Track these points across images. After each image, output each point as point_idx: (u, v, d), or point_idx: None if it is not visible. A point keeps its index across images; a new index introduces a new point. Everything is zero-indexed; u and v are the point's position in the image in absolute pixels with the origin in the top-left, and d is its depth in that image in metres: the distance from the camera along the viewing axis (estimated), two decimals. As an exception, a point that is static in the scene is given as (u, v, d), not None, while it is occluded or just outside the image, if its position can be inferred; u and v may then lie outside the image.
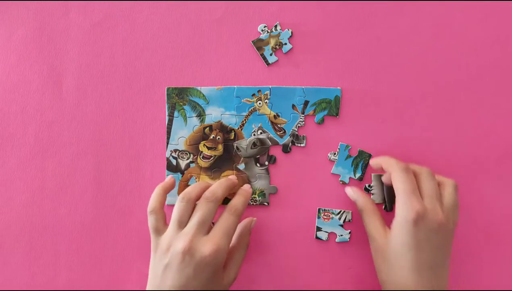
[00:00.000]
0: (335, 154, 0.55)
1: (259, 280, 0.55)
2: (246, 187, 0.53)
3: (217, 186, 0.50)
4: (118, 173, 0.56)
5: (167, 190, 0.51)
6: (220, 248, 0.45)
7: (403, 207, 0.46)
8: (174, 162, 0.55)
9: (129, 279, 0.56)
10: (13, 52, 0.56)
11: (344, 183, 0.55)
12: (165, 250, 0.46)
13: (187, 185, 0.55)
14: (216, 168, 0.56)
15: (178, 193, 0.55)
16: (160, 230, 0.48)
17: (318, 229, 0.55)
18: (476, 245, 0.55)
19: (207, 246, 0.45)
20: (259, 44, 0.55)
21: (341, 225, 0.55)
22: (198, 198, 0.49)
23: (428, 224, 0.45)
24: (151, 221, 0.48)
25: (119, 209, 0.56)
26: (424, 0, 0.55)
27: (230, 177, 0.53)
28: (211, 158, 0.56)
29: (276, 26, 0.55)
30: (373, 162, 0.53)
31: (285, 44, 0.55)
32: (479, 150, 0.55)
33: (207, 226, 0.47)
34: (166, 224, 0.49)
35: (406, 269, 0.46)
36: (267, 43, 0.55)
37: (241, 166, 0.56)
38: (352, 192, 0.53)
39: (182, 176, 0.56)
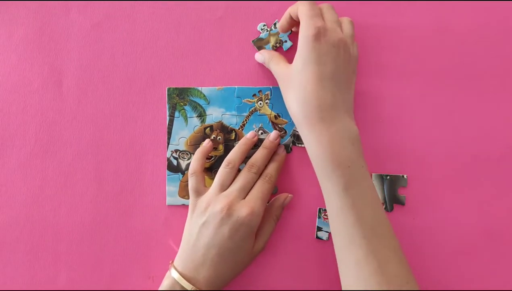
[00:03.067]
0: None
1: (259, 280, 0.55)
2: (280, 150, 0.55)
3: (259, 156, 0.53)
4: (118, 173, 0.56)
5: (206, 154, 0.54)
6: (255, 211, 0.49)
7: (305, 26, 0.47)
8: (174, 162, 0.55)
9: (129, 279, 0.56)
10: (13, 52, 0.56)
11: None
12: (203, 209, 0.50)
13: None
14: (217, 168, 0.55)
15: (179, 194, 0.55)
16: (200, 191, 0.52)
17: (319, 229, 0.55)
18: (476, 245, 0.55)
19: (244, 208, 0.48)
20: (259, 44, 0.55)
21: None
22: (240, 163, 0.53)
23: (329, 39, 0.47)
24: (192, 182, 0.52)
25: (119, 209, 0.56)
26: (424, 0, 0.55)
27: (272, 138, 0.54)
28: (212, 158, 0.56)
29: (275, 24, 0.55)
30: (280, 23, 0.53)
31: (285, 41, 0.55)
32: (479, 150, 0.55)
33: (246, 192, 0.51)
34: (205, 186, 0.53)
35: (309, 80, 0.46)
36: (267, 42, 0.55)
37: (242, 166, 0.55)
38: (259, 54, 0.54)
39: (183, 176, 0.56)
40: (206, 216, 0.49)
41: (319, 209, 0.55)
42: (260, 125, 0.55)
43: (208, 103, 0.55)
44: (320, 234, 0.55)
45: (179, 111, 0.56)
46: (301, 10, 0.49)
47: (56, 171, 0.56)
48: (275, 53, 0.53)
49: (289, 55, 0.55)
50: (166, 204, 0.56)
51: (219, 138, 0.56)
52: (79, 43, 0.56)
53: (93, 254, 0.56)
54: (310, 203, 0.55)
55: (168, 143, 0.56)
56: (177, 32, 0.56)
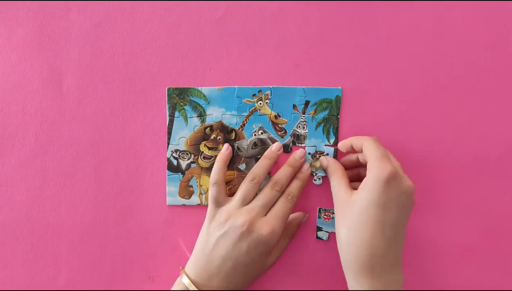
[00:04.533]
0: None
1: (259, 280, 0.55)
2: (305, 169, 0.54)
3: (283, 174, 0.53)
4: (118, 173, 0.56)
5: (227, 161, 0.54)
6: (275, 231, 0.49)
7: (376, 168, 0.46)
8: (175, 162, 0.55)
9: (129, 279, 0.56)
10: (13, 52, 0.56)
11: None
12: (223, 220, 0.50)
13: (188, 186, 0.55)
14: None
15: (179, 194, 0.55)
16: (220, 202, 0.51)
17: (319, 229, 0.55)
18: (476, 245, 0.55)
19: (265, 226, 0.49)
20: None
21: None
22: (264, 177, 0.53)
23: (400, 184, 0.46)
24: (213, 192, 0.51)
25: (119, 209, 0.56)
26: (424, 0, 0.55)
27: (297, 157, 0.54)
28: (212, 158, 0.56)
29: (314, 155, 0.55)
30: (341, 145, 0.53)
31: (319, 179, 0.56)
32: (479, 150, 0.55)
33: (268, 209, 0.51)
34: (226, 196, 0.52)
35: (370, 224, 0.45)
36: None
37: (242, 166, 0.56)
38: (325, 160, 0.54)
39: (183, 176, 0.56)
40: (226, 228, 0.49)
41: (319, 209, 0.55)
42: (260, 125, 0.55)
43: (208, 103, 0.55)
44: (320, 234, 0.55)
45: (179, 111, 0.55)
46: (369, 148, 0.49)
47: (56, 171, 0.56)
48: (340, 168, 0.52)
49: (288, 56, 0.55)
50: (166, 204, 0.56)
51: (219, 138, 0.56)
52: (79, 43, 0.56)
53: (93, 254, 0.56)
54: (310, 203, 0.55)
55: (168, 144, 0.56)
56: (177, 32, 0.56)
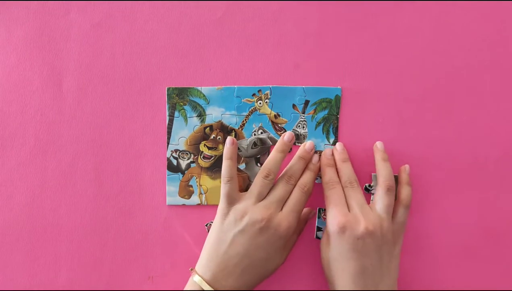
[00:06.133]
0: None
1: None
2: (315, 160, 0.54)
3: (296, 168, 0.52)
4: (118, 173, 0.56)
5: (236, 155, 0.52)
6: (292, 225, 0.49)
7: (328, 220, 0.49)
8: (174, 162, 0.55)
9: (129, 279, 0.56)
10: (13, 52, 0.56)
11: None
12: (239, 217, 0.49)
13: (188, 185, 0.55)
14: (216, 167, 0.56)
15: (179, 194, 0.55)
16: (234, 199, 0.51)
17: (318, 229, 0.55)
18: (476, 245, 0.55)
19: (284, 221, 0.49)
20: None
21: None
22: (277, 172, 0.52)
23: (352, 232, 0.47)
24: (227, 188, 0.50)
25: (119, 209, 0.56)
26: (424, 0, 0.55)
27: (307, 148, 0.53)
28: (212, 158, 0.56)
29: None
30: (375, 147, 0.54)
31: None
32: (479, 150, 0.55)
33: (283, 203, 0.51)
34: (239, 193, 0.52)
35: (339, 277, 0.48)
36: None
37: (242, 166, 0.56)
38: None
39: (182, 176, 0.56)
40: (243, 225, 0.49)
41: (319, 209, 0.55)
42: (260, 124, 0.55)
43: (208, 103, 0.55)
44: (320, 234, 0.55)
45: (179, 111, 0.56)
46: (326, 196, 0.51)
47: (56, 170, 0.56)
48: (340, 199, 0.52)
49: (288, 56, 0.55)
50: (166, 204, 0.56)
51: (219, 138, 0.56)
52: (79, 43, 0.56)
53: (93, 254, 0.56)
54: (310, 203, 0.55)
55: (168, 143, 0.56)
56: (177, 32, 0.56)
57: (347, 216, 0.48)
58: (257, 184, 0.51)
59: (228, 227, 0.49)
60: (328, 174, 0.52)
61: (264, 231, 0.48)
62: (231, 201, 0.50)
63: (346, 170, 0.52)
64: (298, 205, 0.50)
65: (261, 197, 0.51)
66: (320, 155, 0.54)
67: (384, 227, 0.48)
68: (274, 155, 0.52)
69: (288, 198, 0.51)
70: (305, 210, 0.55)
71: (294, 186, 0.52)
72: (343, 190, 0.51)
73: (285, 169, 0.53)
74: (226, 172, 0.51)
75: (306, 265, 0.55)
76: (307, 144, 0.53)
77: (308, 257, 0.55)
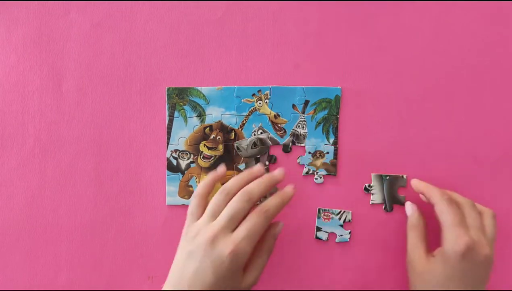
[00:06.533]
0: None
1: (259, 280, 0.55)
2: (288, 188, 0.50)
3: (256, 185, 0.48)
4: (118, 173, 0.56)
5: (217, 180, 0.51)
6: (239, 251, 0.44)
7: (451, 239, 0.46)
8: (174, 162, 0.55)
9: (129, 279, 0.56)
10: (13, 52, 0.56)
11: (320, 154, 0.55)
12: (192, 237, 0.46)
13: (188, 185, 0.55)
14: (216, 168, 0.55)
15: (179, 194, 0.55)
16: (195, 216, 0.49)
17: (318, 229, 0.55)
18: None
19: (228, 245, 0.44)
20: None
21: (341, 225, 0.55)
22: (237, 192, 0.48)
23: (476, 256, 0.45)
24: (192, 204, 0.49)
25: (119, 209, 0.56)
26: (424, 0, 0.55)
27: (275, 174, 0.50)
28: (212, 158, 0.56)
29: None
30: (414, 184, 0.53)
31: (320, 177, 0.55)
32: (479, 150, 0.55)
33: (237, 222, 0.46)
34: (203, 211, 0.49)
35: None
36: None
37: (242, 166, 0.56)
38: (410, 208, 0.53)
39: (182, 176, 0.56)
40: (193, 246, 0.46)
41: (319, 209, 0.55)
42: (259, 125, 0.55)
43: (208, 103, 0.55)
44: (319, 234, 0.55)
45: (179, 111, 0.56)
46: (442, 212, 0.48)
47: (56, 170, 0.56)
48: (421, 226, 0.51)
49: (288, 56, 0.55)
50: (166, 204, 0.56)
51: (219, 138, 0.56)
52: (78, 43, 0.56)
53: (93, 254, 0.56)
54: (310, 203, 0.55)
55: (168, 143, 0.56)
56: (177, 32, 0.56)
57: (472, 237, 0.46)
58: (212, 201, 0.48)
59: (185, 244, 0.47)
60: (449, 193, 0.50)
61: (209, 253, 0.44)
62: (192, 218, 0.49)
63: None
64: (251, 229, 0.45)
65: (216, 215, 0.47)
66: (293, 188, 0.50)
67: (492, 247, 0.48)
68: (237, 175, 0.50)
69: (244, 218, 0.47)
70: (271, 224, 0.50)
71: (251, 204, 0.47)
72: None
73: (246, 186, 0.49)
74: (198, 186, 0.51)
75: (306, 265, 0.55)
76: (276, 170, 0.50)
77: (308, 257, 0.55)
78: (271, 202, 0.48)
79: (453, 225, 0.46)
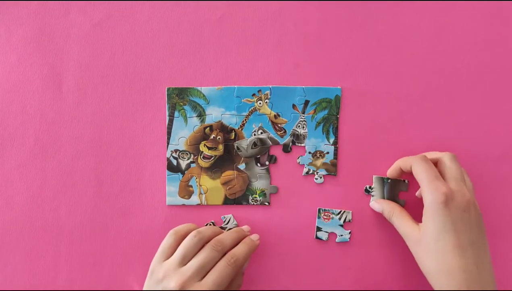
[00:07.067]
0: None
1: (259, 280, 0.55)
2: (255, 237, 0.53)
3: (228, 235, 0.51)
4: (118, 173, 0.56)
5: (205, 237, 0.50)
6: None
7: (430, 192, 0.46)
8: (174, 162, 0.55)
9: (129, 279, 0.56)
10: (13, 52, 0.56)
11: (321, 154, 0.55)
12: (159, 279, 0.47)
13: (188, 185, 0.55)
14: (216, 168, 0.56)
15: (179, 194, 0.55)
16: (166, 255, 0.49)
17: (318, 229, 0.55)
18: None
19: None
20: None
21: (341, 225, 0.55)
22: (210, 240, 0.50)
23: (458, 204, 0.45)
24: (166, 242, 0.50)
25: (119, 209, 0.56)
26: (424, 0, 0.55)
27: (244, 229, 0.53)
28: (212, 158, 0.56)
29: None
30: (389, 171, 0.54)
31: (320, 177, 0.55)
32: (479, 150, 0.55)
33: (205, 272, 0.47)
34: (173, 252, 0.49)
35: (448, 251, 0.44)
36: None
37: (242, 166, 0.56)
38: (377, 204, 0.54)
39: (182, 176, 0.55)
40: (160, 288, 0.46)
41: (319, 209, 0.55)
42: (259, 125, 0.55)
43: (208, 103, 0.55)
44: (320, 234, 0.55)
45: (179, 111, 0.56)
46: (418, 171, 0.48)
47: (56, 171, 0.56)
48: (396, 207, 0.52)
49: (288, 56, 0.55)
50: (166, 204, 0.56)
51: (219, 138, 0.56)
52: (79, 43, 0.56)
53: (93, 254, 0.56)
54: (310, 203, 0.55)
55: (168, 143, 0.56)
56: (177, 32, 0.56)
57: (449, 187, 0.46)
58: (182, 244, 0.49)
59: (152, 285, 0.48)
60: (420, 155, 0.50)
61: None
62: (162, 256, 0.49)
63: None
64: (220, 277, 0.46)
65: (185, 260, 0.48)
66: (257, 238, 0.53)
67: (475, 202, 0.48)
68: (213, 227, 0.53)
69: (213, 266, 0.48)
70: (243, 247, 0.51)
71: (221, 253, 0.48)
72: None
73: (217, 236, 0.51)
74: (179, 227, 0.52)
75: (306, 265, 0.55)
76: (245, 226, 0.54)
77: (308, 257, 0.55)
78: (240, 250, 0.49)
79: (428, 180, 0.46)
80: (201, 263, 0.47)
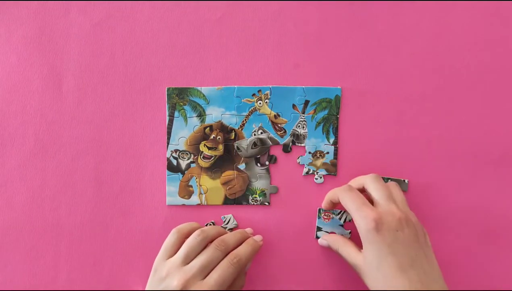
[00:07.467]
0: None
1: (259, 280, 0.55)
2: (258, 238, 0.53)
3: (232, 236, 0.51)
4: (118, 173, 0.56)
5: (206, 238, 0.50)
6: None
7: (360, 221, 0.46)
8: (174, 162, 0.55)
9: (129, 279, 0.56)
10: (13, 52, 0.56)
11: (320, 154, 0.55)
12: (162, 277, 0.47)
13: (188, 185, 0.55)
14: (216, 168, 0.56)
15: (179, 194, 0.55)
16: (169, 254, 0.49)
17: (318, 229, 0.55)
18: (475, 245, 0.55)
19: None
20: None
21: (341, 225, 0.55)
22: (213, 239, 0.50)
23: (389, 225, 0.45)
24: (169, 240, 0.50)
25: (119, 209, 0.56)
26: (424, 0, 0.55)
27: (247, 231, 0.54)
28: (212, 158, 0.56)
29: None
30: (323, 204, 0.54)
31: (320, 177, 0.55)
32: (479, 150, 0.55)
33: (208, 271, 0.47)
34: (176, 250, 0.49)
35: (391, 275, 0.44)
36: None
37: (242, 166, 0.56)
38: (323, 240, 0.54)
39: (182, 176, 0.56)
40: (162, 286, 0.46)
41: (319, 209, 0.55)
42: (259, 125, 0.55)
43: (208, 103, 0.55)
44: (320, 234, 0.55)
45: (179, 111, 0.56)
46: (345, 202, 0.48)
47: (56, 170, 0.56)
48: (340, 239, 0.52)
49: (288, 56, 0.55)
50: (166, 204, 0.56)
51: (219, 138, 0.56)
52: (79, 43, 0.56)
53: (93, 254, 0.56)
54: (310, 203, 0.55)
55: (168, 143, 0.56)
56: (177, 32, 0.56)
57: (377, 211, 0.46)
58: (186, 243, 0.49)
59: (154, 284, 0.48)
60: (345, 186, 0.50)
61: None
62: (165, 254, 0.49)
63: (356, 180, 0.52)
64: (222, 277, 0.46)
65: (188, 259, 0.48)
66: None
67: (411, 214, 0.47)
68: (219, 227, 0.53)
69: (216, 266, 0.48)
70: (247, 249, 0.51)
71: (224, 253, 0.48)
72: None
73: (221, 236, 0.51)
74: (183, 225, 0.52)
75: (306, 265, 0.55)
76: (248, 229, 0.54)
77: (308, 257, 0.55)
78: (243, 251, 0.49)
79: (356, 209, 0.47)
80: (204, 262, 0.47)
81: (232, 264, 0.48)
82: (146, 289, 0.48)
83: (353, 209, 0.47)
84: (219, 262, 0.48)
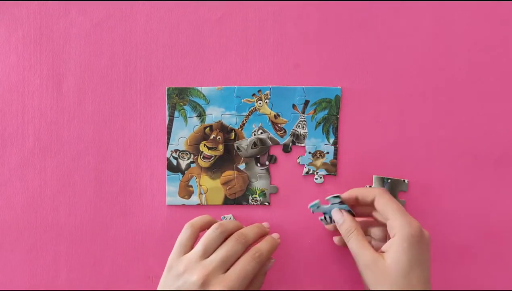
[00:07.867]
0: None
1: (260, 280, 0.55)
2: (276, 235, 0.51)
3: (251, 229, 0.49)
4: (118, 172, 0.56)
5: (213, 221, 0.51)
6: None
7: (407, 225, 0.44)
8: (174, 162, 0.55)
9: (129, 279, 0.56)
10: (13, 52, 0.56)
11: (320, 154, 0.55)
12: (180, 272, 0.45)
13: (188, 185, 0.55)
14: (216, 168, 0.56)
15: (179, 194, 0.55)
16: (185, 249, 0.47)
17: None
18: (475, 245, 0.55)
19: (222, 286, 0.43)
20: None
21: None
22: (232, 233, 0.48)
23: (426, 238, 0.45)
24: (183, 235, 0.48)
25: (119, 209, 0.56)
26: (424, 0, 0.55)
27: (264, 225, 0.53)
28: (212, 158, 0.56)
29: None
30: (344, 195, 0.50)
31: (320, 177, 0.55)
32: (479, 150, 0.55)
33: (229, 265, 0.45)
34: (193, 245, 0.48)
35: (418, 286, 0.43)
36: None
37: (242, 166, 0.56)
38: (339, 214, 0.50)
39: (182, 176, 0.56)
40: (180, 282, 0.44)
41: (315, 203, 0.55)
42: (259, 125, 0.55)
43: (208, 103, 0.55)
44: (322, 218, 0.53)
45: (179, 111, 0.56)
46: (386, 203, 0.47)
47: (56, 171, 0.56)
48: (358, 226, 0.48)
49: (288, 56, 0.55)
50: (166, 204, 0.56)
51: (219, 138, 0.56)
52: (79, 43, 0.56)
53: (93, 254, 0.56)
54: (310, 203, 0.55)
55: (168, 143, 0.56)
56: (177, 32, 0.56)
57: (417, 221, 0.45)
58: (204, 237, 0.47)
59: (171, 279, 0.46)
60: (378, 188, 0.49)
61: None
62: (180, 250, 0.47)
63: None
64: (244, 271, 0.45)
65: (207, 253, 0.46)
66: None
67: None
68: (235, 221, 0.51)
69: (237, 260, 0.46)
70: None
71: (245, 246, 0.47)
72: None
73: (240, 229, 0.49)
74: (195, 219, 0.50)
75: (306, 265, 0.55)
76: (265, 223, 0.54)
77: (308, 256, 0.55)
78: (264, 246, 0.48)
79: (402, 214, 0.46)
80: (225, 255, 0.45)
81: (253, 259, 0.46)
82: (159, 289, 0.46)
83: (398, 212, 0.46)
84: (239, 256, 0.46)
